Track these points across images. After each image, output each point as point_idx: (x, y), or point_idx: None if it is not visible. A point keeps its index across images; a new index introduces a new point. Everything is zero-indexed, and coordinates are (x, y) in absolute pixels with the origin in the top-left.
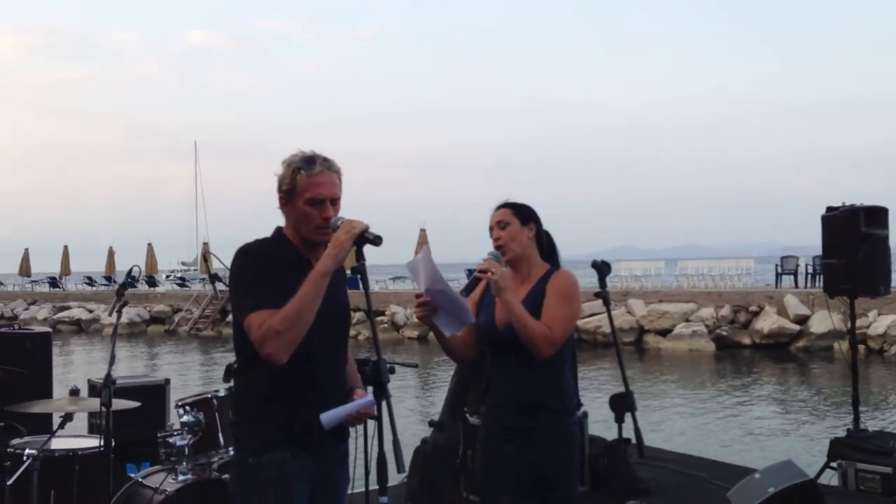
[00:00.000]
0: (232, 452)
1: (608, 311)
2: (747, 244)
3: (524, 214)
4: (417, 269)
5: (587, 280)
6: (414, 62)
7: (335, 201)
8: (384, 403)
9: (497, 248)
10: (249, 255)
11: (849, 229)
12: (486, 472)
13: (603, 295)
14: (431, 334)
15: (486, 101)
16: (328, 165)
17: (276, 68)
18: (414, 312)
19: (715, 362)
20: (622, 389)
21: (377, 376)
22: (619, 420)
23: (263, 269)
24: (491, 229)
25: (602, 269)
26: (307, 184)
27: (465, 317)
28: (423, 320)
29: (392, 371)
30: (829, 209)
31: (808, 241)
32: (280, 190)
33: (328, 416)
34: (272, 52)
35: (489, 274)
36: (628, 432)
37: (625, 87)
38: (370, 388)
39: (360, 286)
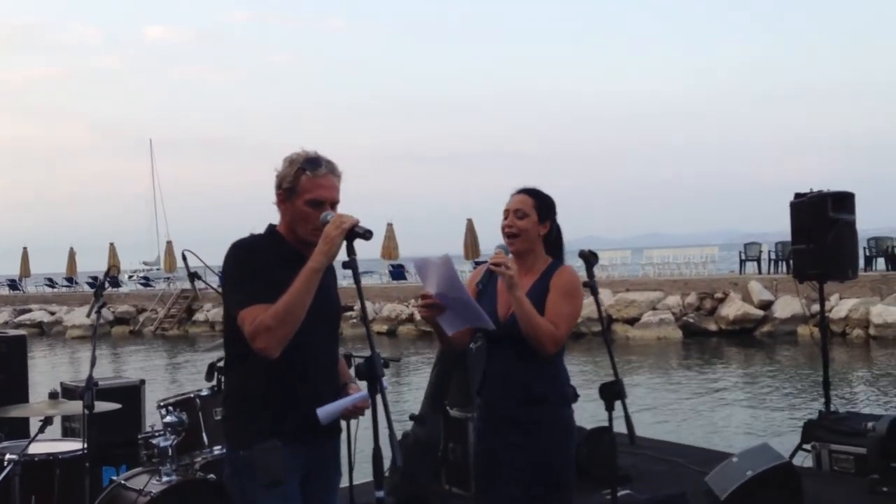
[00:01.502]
0: (216, 452)
1: (596, 300)
2: (709, 232)
3: (545, 211)
4: (427, 271)
5: None
6: (389, 52)
7: (334, 205)
8: (378, 398)
9: (507, 234)
10: (244, 250)
11: (817, 215)
12: (488, 464)
13: (591, 284)
14: (401, 328)
15: (456, 91)
16: (332, 168)
17: (244, 61)
18: (418, 310)
19: (683, 349)
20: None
21: (371, 371)
22: (610, 408)
23: (258, 265)
24: (506, 213)
25: (590, 258)
26: (310, 185)
27: (479, 322)
28: (428, 319)
29: (386, 365)
30: (798, 195)
31: (770, 227)
32: (280, 187)
33: (325, 411)
34: (240, 45)
35: (502, 268)
36: (617, 421)
37: (596, 79)
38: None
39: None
